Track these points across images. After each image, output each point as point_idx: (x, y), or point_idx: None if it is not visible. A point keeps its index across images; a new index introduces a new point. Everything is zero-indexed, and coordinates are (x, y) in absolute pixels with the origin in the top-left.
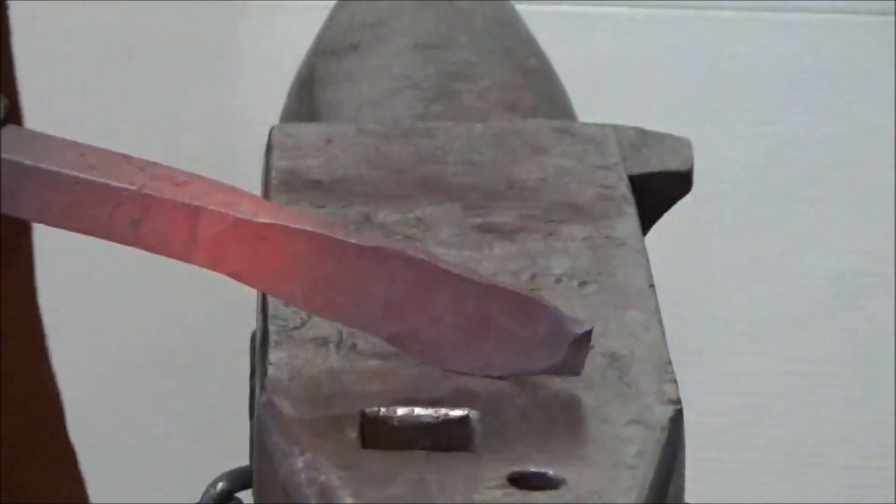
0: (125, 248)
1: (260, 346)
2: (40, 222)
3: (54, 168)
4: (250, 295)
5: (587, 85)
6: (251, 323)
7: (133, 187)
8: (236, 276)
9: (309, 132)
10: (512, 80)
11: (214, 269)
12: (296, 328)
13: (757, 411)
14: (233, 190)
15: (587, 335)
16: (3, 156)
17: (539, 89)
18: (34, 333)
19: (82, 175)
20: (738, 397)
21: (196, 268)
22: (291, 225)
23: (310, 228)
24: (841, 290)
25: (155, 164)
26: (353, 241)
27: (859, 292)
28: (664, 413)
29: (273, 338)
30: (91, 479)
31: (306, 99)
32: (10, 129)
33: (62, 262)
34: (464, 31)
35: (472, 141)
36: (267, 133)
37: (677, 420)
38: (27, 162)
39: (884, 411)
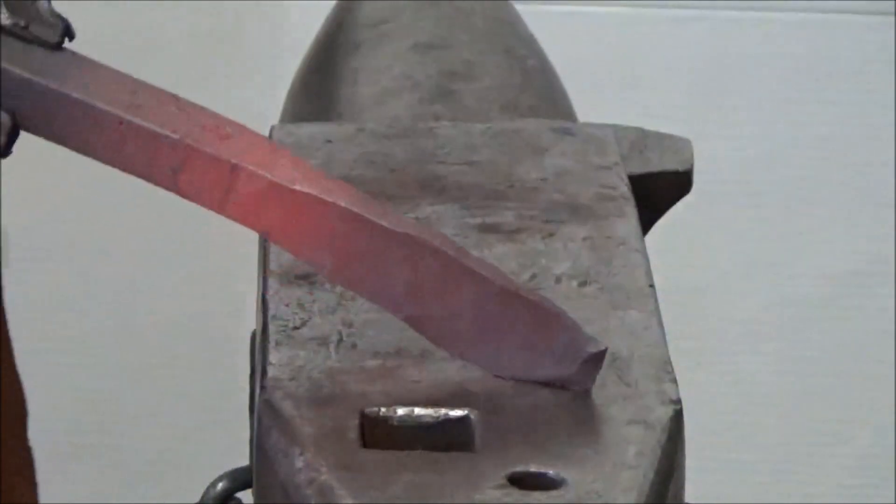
0: (126, 248)
1: (260, 346)
2: (84, 154)
3: (101, 105)
4: (250, 295)
5: (587, 85)
6: (251, 323)
7: (175, 136)
8: (268, 233)
9: (309, 132)
10: (512, 80)
11: (247, 224)
12: (296, 328)
13: (757, 411)
14: (274, 150)
15: (601, 354)
16: (52, 86)
17: (539, 89)
18: None
19: (127, 116)
20: (738, 397)
21: (196, 268)
22: (326, 198)
23: (343, 204)
24: (841, 290)
25: (203, 110)
26: (384, 223)
27: (859, 292)
28: (664, 413)
29: (273, 338)
30: (91, 479)
31: (307, 99)
32: (65, 54)
33: (64, 261)
34: (464, 31)
35: (472, 141)
36: (267, 133)
37: (677, 420)
38: (75, 95)
39: (884, 411)
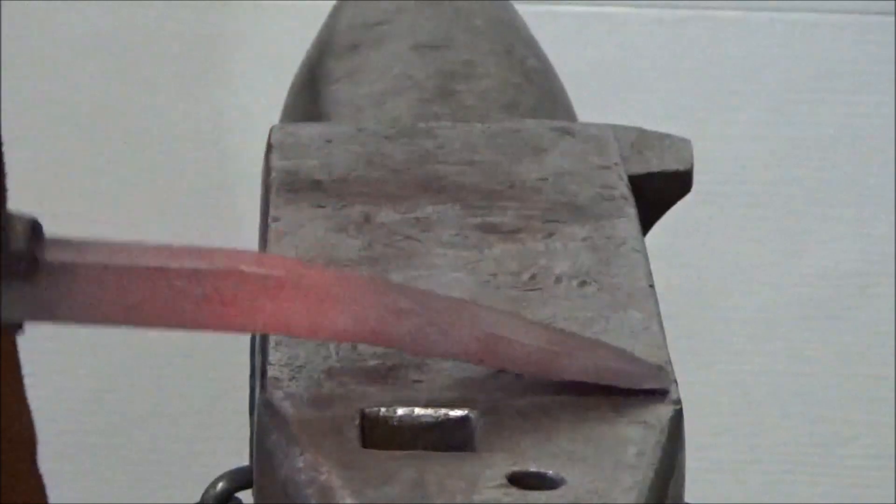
0: None
1: (260, 346)
2: None
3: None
4: None
5: (587, 85)
6: None
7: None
8: None
9: (309, 132)
10: (512, 80)
11: None
12: None
13: (757, 411)
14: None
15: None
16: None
17: (539, 89)
18: (11, 361)
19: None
20: (738, 397)
21: None
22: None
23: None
24: (841, 290)
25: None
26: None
27: (859, 292)
28: (664, 413)
29: (273, 338)
30: (91, 479)
31: (307, 99)
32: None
33: None
34: (464, 31)
35: (472, 141)
36: (267, 133)
37: (677, 420)
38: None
39: (884, 411)
